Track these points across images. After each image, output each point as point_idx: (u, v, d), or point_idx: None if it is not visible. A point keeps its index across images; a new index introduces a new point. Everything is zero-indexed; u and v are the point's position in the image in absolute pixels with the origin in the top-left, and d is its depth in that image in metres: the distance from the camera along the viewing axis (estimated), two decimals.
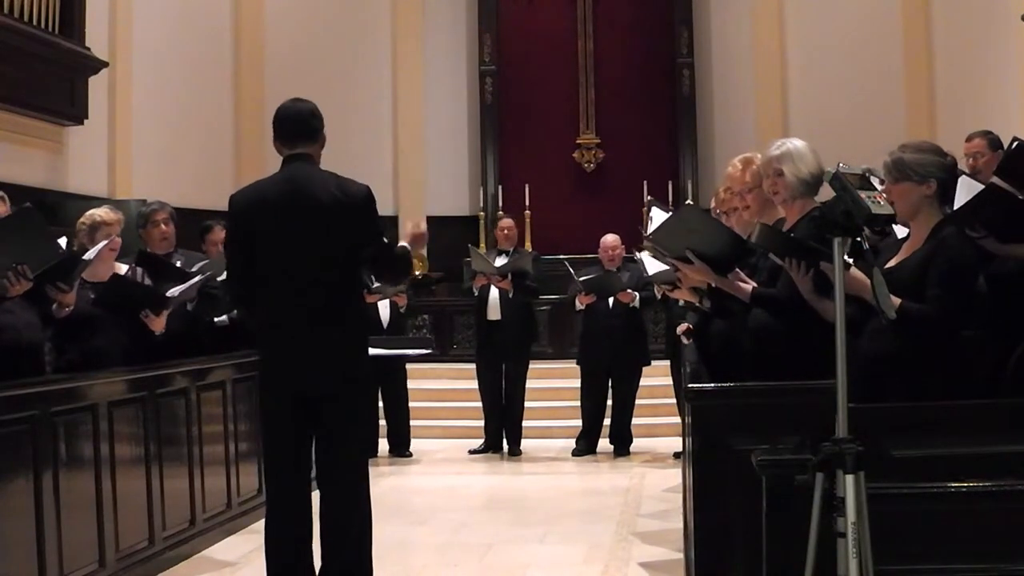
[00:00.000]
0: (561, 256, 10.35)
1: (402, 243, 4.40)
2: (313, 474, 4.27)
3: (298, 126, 4.20)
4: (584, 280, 8.66)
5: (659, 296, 8.09)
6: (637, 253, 7.01)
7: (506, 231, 9.33)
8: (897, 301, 3.37)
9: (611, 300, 8.70)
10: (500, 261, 8.96)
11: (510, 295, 8.85)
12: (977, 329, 3.84)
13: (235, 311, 6.47)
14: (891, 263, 3.51)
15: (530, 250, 12.66)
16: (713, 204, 5.30)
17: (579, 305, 8.81)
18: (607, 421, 8.99)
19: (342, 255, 4.13)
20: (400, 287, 9.01)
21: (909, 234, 3.68)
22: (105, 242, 5.21)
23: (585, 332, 8.94)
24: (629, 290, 8.64)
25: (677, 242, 4.06)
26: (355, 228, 4.13)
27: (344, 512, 4.12)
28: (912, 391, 3.38)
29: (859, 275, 3.41)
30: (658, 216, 5.46)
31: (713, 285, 4.22)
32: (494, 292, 8.91)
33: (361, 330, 4.31)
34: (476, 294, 9.05)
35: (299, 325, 4.09)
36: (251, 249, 4.14)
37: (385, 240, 4.29)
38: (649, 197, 10.69)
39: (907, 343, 3.40)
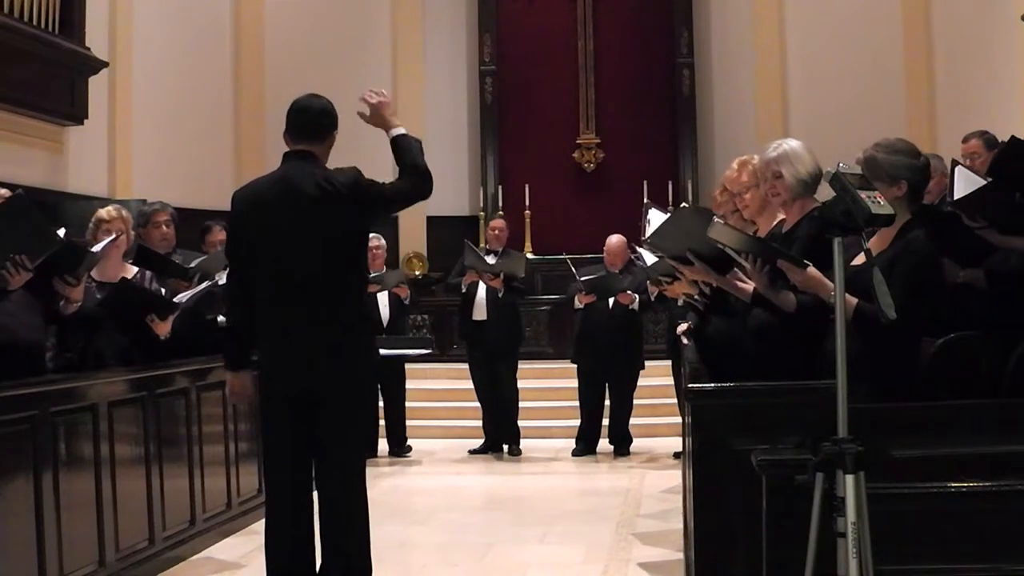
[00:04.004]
0: (564, 255, 10.33)
1: (397, 131, 4.21)
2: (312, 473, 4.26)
3: (305, 123, 4.19)
4: (585, 280, 8.67)
5: (653, 296, 8.13)
6: (637, 248, 7.04)
7: (497, 232, 9.32)
8: (854, 301, 3.36)
9: (611, 301, 8.71)
10: (490, 260, 8.95)
11: (500, 294, 8.84)
12: (977, 329, 3.84)
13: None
14: (857, 261, 3.50)
15: (529, 250, 12.74)
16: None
17: (578, 304, 8.82)
18: (605, 421, 9.00)
19: (340, 249, 4.10)
20: (399, 279, 9.00)
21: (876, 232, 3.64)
22: (112, 237, 5.20)
23: (581, 332, 8.93)
24: (629, 292, 8.65)
25: (675, 244, 4.07)
26: (350, 216, 4.09)
27: (343, 512, 4.11)
28: (872, 391, 3.37)
29: (816, 275, 3.42)
30: (656, 219, 5.46)
31: (714, 285, 4.22)
32: (481, 292, 8.90)
33: (362, 329, 4.28)
34: (464, 291, 9.04)
35: (298, 324, 4.07)
36: (250, 247, 4.13)
37: (388, 191, 4.19)
38: (647, 200, 10.69)
39: (865, 344, 3.38)
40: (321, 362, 4.07)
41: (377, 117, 4.28)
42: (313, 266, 4.07)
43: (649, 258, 6.10)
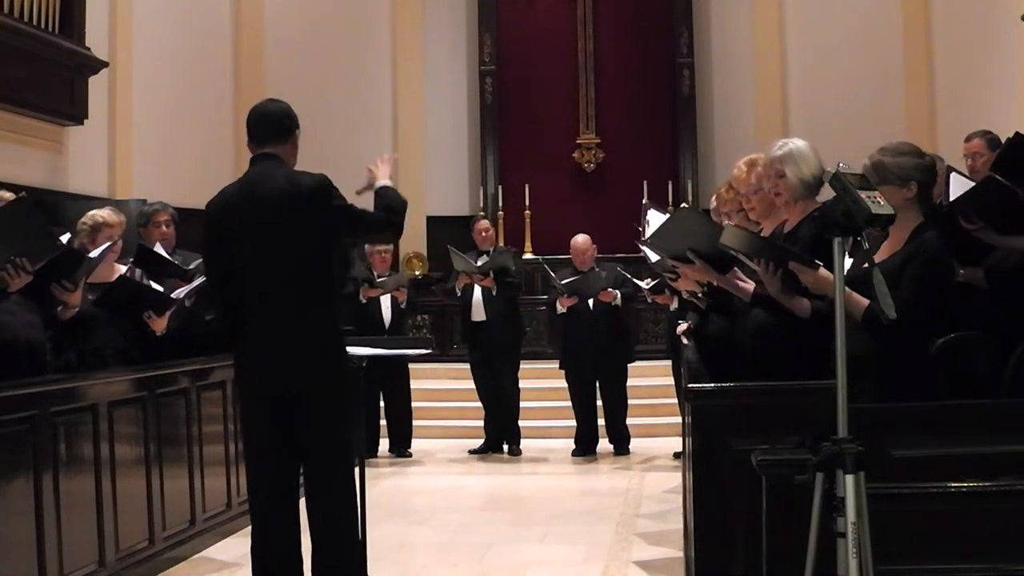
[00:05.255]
0: (560, 256, 10.32)
1: (382, 182, 4.26)
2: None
3: (267, 127, 4.15)
4: (566, 283, 8.66)
5: (650, 300, 8.12)
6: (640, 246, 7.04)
7: (483, 232, 9.32)
8: (865, 302, 3.36)
9: (591, 302, 8.70)
10: (481, 262, 8.94)
11: (493, 292, 8.83)
12: (977, 329, 3.84)
13: None
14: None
15: (528, 250, 12.74)
16: (714, 204, 5.30)
17: (560, 308, 8.80)
18: (601, 421, 8.98)
19: (307, 251, 4.05)
20: (401, 281, 9.00)
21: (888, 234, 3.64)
22: (110, 243, 5.21)
23: (567, 337, 8.89)
24: (609, 288, 8.65)
25: (675, 244, 4.07)
26: (311, 219, 4.03)
27: (332, 516, 4.06)
28: (880, 391, 3.37)
29: (828, 275, 3.42)
30: (654, 218, 5.46)
31: (715, 284, 4.22)
32: (477, 293, 8.89)
33: (334, 328, 4.19)
34: (459, 295, 9.03)
35: (272, 325, 4.03)
36: (224, 252, 4.10)
37: (354, 209, 4.15)
38: (646, 200, 10.69)
39: (875, 344, 3.38)
40: (291, 363, 4.01)
41: (383, 173, 4.31)
42: (282, 267, 4.02)
43: (652, 256, 6.11)
